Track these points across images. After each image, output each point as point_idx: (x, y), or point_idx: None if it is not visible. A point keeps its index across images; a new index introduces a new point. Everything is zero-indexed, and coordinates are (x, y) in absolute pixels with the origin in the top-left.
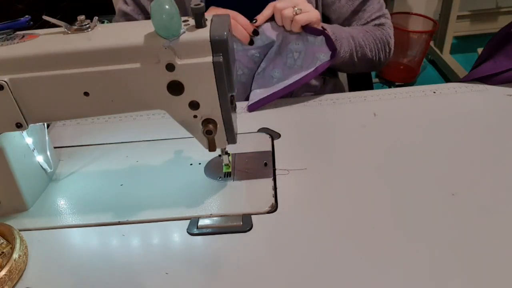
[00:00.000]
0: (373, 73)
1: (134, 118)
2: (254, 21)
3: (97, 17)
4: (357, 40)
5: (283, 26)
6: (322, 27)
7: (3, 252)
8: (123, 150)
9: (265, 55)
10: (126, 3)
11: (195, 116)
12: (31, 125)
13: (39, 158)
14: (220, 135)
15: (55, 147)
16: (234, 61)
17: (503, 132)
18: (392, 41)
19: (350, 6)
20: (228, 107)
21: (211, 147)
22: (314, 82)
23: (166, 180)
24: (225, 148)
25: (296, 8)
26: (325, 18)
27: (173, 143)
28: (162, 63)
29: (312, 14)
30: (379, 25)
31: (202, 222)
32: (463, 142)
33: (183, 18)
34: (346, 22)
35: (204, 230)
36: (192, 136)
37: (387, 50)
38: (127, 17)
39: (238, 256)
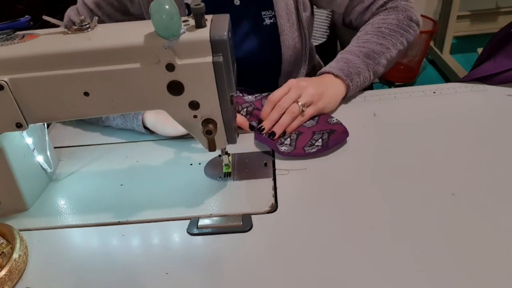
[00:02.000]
0: None
1: None
2: (261, 127)
3: (96, 17)
4: (373, 56)
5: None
6: (329, 71)
7: (3, 252)
8: (123, 150)
9: None
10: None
11: (195, 116)
12: (31, 125)
13: (39, 158)
14: (220, 135)
15: (55, 147)
16: (234, 61)
17: (503, 132)
18: (412, 12)
19: None
20: (228, 107)
21: (211, 147)
22: None
23: (166, 180)
24: (225, 148)
25: (300, 104)
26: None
27: (173, 143)
28: (162, 63)
29: (319, 106)
30: (388, 1)
31: (202, 222)
32: (463, 142)
33: (183, 18)
34: (349, 8)
35: (204, 230)
36: (192, 136)
37: (413, 26)
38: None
39: (238, 256)
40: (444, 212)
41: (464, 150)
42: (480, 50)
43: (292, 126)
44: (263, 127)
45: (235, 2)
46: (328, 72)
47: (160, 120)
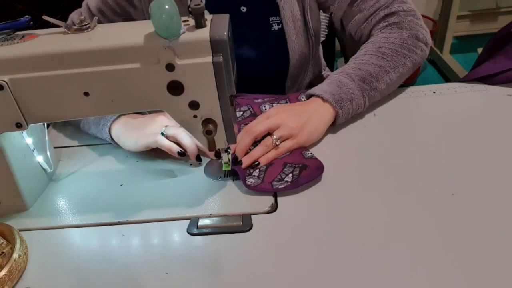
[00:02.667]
0: None
1: None
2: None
3: (96, 17)
4: (369, 80)
5: None
6: (318, 94)
7: (3, 252)
8: (123, 150)
9: None
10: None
11: (195, 116)
12: (31, 125)
13: (39, 158)
14: (220, 135)
15: (55, 147)
16: (234, 62)
17: (503, 132)
18: (419, 30)
19: None
20: (228, 107)
21: (211, 147)
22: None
23: (166, 180)
24: (225, 148)
25: (274, 137)
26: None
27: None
28: (162, 63)
29: (299, 139)
30: (391, 14)
31: (202, 222)
32: (463, 142)
33: (183, 18)
34: (348, 16)
35: (204, 230)
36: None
37: (420, 46)
38: None
39: (238, 256)
40: (444, 212)
41: (464, 150)
42: (480, 50)
43: (267, 158)
44: (238, 159)
45: (241, 9)
46: (318, 96)
47: (124, 133)
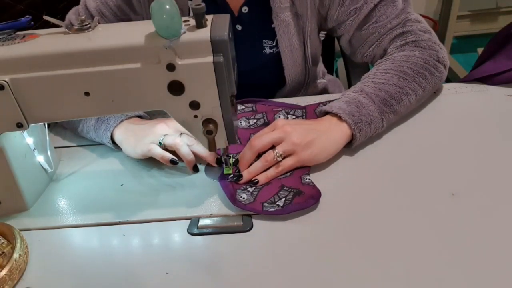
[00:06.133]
0: None
1: None
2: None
3: (97, 17)
4: (390, 102)
5: None
6: (336, 112)
7: (3, 252)
8: None
9: None
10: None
11: (195, 116)
12: (31, 125)
13: (40, 158)
14: (220, 135)
15: (55, 147)
16: (235, 61)
17: (503, 132)
18: (438, 50)
19: (356, 19)
20: (228, 107)
21: (211, 147)
22: (319, 81)
23: (167, 180)
24: (226, 152)
25: (276, 152)
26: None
27: None
28: (162, 63)
29: (301, 157)
30: (407, 33)
31: (203, 222)
32: (463, 142)
33: (184, 18)
34: (358, 39)
35: (205, 230)
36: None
37: (440, 68)
38: None
39: (238, 256)
40: (443, 212)
41: (464, 150)
42: (480, 50)
43: (266, 177)
44: (238, 176)
45: (237, 27)
46: (335, 114)
47: (125, 140)
